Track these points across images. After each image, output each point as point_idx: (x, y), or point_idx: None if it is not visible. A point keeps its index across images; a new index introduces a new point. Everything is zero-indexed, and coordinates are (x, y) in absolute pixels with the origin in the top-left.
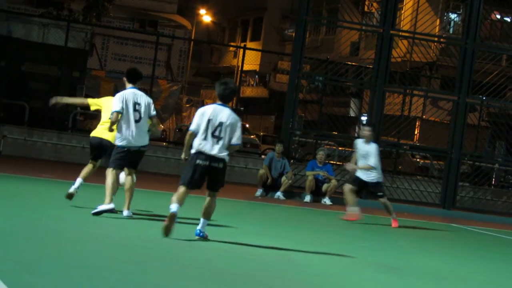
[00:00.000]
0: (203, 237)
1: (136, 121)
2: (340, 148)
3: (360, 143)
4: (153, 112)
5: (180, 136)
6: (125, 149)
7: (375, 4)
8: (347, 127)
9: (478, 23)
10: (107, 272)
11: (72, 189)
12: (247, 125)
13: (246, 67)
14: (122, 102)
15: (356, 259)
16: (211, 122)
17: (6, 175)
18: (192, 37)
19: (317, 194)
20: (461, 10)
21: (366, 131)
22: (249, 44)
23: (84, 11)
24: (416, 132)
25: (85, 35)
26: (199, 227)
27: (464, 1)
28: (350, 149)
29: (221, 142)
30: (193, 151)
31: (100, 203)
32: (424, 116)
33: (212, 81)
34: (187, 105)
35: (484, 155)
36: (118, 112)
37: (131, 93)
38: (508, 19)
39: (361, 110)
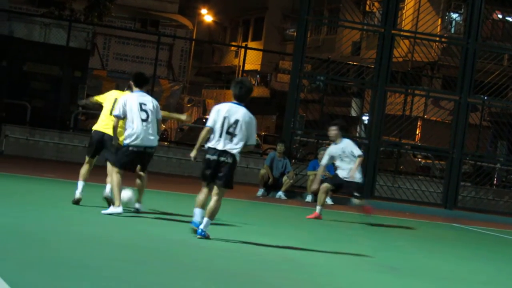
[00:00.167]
0: (205, 237)
1: (143, 120)
2: None
3: (332, 147)
4: (160, 116)
5: (182, 136)
6: (130, 148)
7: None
8: (348, 127)
9: (479, 22)
10: (108, 272)
11: (78, 195)
12: None
13: (247, 67)
14: (124, 105)
15: (359, 258)
16: (227, 120)
17: (8, 174)
18: (194, 37)
19: None
20: (462, 10)
21: (332, 131)
22: (251, 44)
23: (86, 11)
24: (417, 132)
25: (87, 35)
26: (201, 226)
27: (466, 0)
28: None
29: (235, 139)
30: (206, 146)
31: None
32: (425, 116)
33: (213, 81)
34: (189, 105)
35: (485, 155)
36: (116, 116)
37: (135, 95)
38: (509, 19)
39: (363, 110)
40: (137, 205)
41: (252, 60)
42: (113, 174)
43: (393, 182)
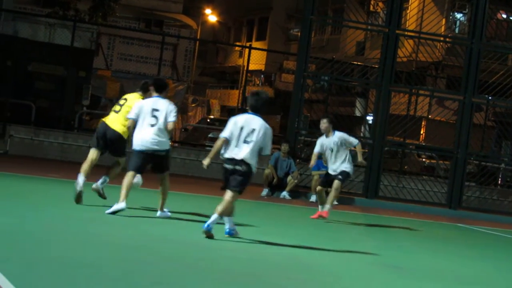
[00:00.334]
0: (233, 235)
1: (152, 125)
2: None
3: (323, 139)
4: (171, 119)
5: (186, 136)
6: (139, 152)
7: (380, 4)
8: (352, 126)
9: (484, 22)
10: (111, 272)
11: (78, 188)
12: None
13: (251, 67)
14: (138, 108)
15: (364, 258)
16: (244, 130)
17: (12, 174)
18: (198, 37)
19: None
20: (466, 10)
21: (323, 123)
22: (255, 44)
23: (90, 11)
24: (422, 132)
25: (91, 35)
26: (226, 226)
27: (470, 0)
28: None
29: (251, 146)
30: (223, 157)
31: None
32: (430, 116)
33: (217, 81)
34: (193, 105)
35: (490, 154)
36: (131, 119)
37: (151, 100)
38: None
39: (367, 109)
40: (158, 213)
41: (256, 60)
42: (126, 175)
43: (398, 182)
